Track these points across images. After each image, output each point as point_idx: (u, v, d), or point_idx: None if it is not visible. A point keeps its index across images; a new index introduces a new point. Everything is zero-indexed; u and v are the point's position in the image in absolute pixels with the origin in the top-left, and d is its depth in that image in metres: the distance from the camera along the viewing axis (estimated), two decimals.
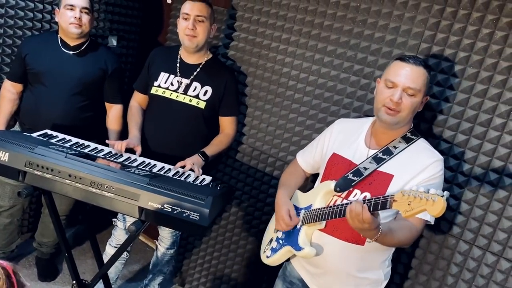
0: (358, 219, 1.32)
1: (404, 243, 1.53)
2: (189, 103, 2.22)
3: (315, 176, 1.91)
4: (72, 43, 2.29)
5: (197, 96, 2.22)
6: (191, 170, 1.99)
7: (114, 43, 2.96)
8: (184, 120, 2.25)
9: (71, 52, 2.29)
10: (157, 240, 2.58)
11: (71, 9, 2.19)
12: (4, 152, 1.71)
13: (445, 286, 1.86)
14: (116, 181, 1.65)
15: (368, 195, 1.56)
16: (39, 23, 2.48)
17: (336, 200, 1.61)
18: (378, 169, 1.57)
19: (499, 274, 1.73)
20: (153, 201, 1.62)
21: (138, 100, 2.37)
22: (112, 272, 2.44)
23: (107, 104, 2.48)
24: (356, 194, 1.58)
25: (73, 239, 3.07)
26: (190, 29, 2.12)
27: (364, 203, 1.33)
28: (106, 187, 1.65)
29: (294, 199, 1.80)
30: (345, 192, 1.59)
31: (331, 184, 1.60)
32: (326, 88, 2.12)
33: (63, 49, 2.28)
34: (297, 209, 1.72)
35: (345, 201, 1.57)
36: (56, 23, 2.49)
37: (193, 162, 2.03)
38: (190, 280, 2.79)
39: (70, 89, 2.28)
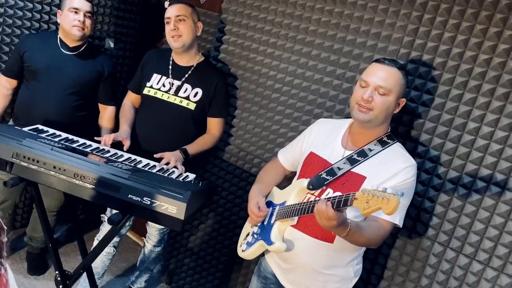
0: (324, 217, 1.36)
1: (372, 242, 1.56)
2: (180, 104, 2.28)
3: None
4: (71, 44, 2.36)
5: (187, 98, 2.29)
6: (175, 167, 2.04)
7: (112, 45, 3.04)
8: (174, 121, 2.31)
9: (69, 53, 2.36)
10: (146, 237, 2.63)
11: (75, 12, 2.27)
12: None
13: (420, 287, 1.89)
14: (98, 173, 1.71)
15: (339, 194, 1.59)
16: (37, 23, 2.57)
17: (309, 198, 1.65)
18: (352, 170, 1.61)
19: (471, 276, 1.75)
20: (132, 194, 1.67)
21: (131, 99, 2.44)
22: (98, 267, 2.48)
23: (100, 105, 2.55)
24: (328, 193, 1.62)
25: (65, 235, 3.12)
26: (173, 30, 2.20)
27: (328, 200, 1.37)
28: (89, 179, 1.70)
29: (271, 195, 1.85)
30: (318, 191, 1.63)
31: (305, 182, 1.64)
32: (310, 91, 2.18)
33: (62, 49, 2.35)
34: (273, 205, 1.77)
35: (317, 199, 1.61)
36: (54, 23, 2.58)
37: (172, 155, 2.08)
38: (177, 279, 2.83)
39: (65, 88, 2.35)
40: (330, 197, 1.40)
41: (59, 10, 2.34)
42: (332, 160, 1.67)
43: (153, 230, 2.56)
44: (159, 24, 3.07)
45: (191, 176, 2.04)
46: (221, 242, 2.60)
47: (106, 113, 2.54)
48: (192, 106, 2.29)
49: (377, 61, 1.63)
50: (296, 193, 1.67)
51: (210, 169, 2.62)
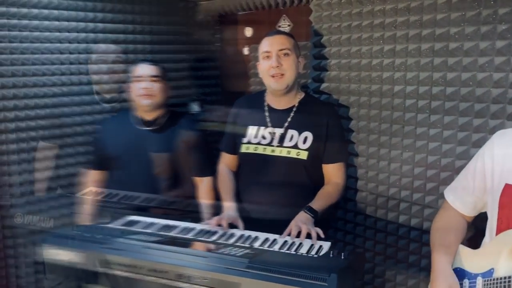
0: None
1: None
2: (288, 155, 1.83)
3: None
4: (148, 117, 2.06)
5: (295, 146, 1.83)
6: (297, 236, 1.56)
7: (197, 108, 2.74)
8: (284, 177, 1.85)
9: (148, 128, 2.06)
10: None
11: (139, 81, 2.00)
12: (77, 253, 1.43)
13: None
14: (207, 269, 1.28)
15: None
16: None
17: None
18: None
19: None
20: None
21: (227, 162, 2.04)
22: None
23: (196, 178, 2.17)
24: None
25: None
26: (275, 67, 1.78)
27: None
28: (197, 278, 1.27)
29: (460, 260, 1.24)
30: None
31: None
32: (460, 97, 1.58)
33: (139, 126, 2.06)
34: (470, 276, 1.16)
35: None
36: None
37: (300, 222, 1.61)
38: None
39: (152, 169, 2.02)
40: None
41: (129, 84, 2.09)
42: None
43: None
44: (242, 74, 2.75)
45: (326, 245, 1.52)
46: None
47: (203, 186, 2.15)
48: (303, 155, 1.81)
49: None
50: (508, 254, 1.05)
51: (343, 227, 2.06)
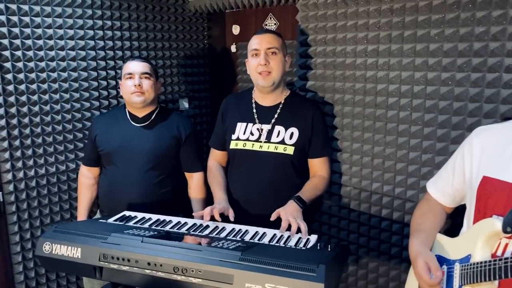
0: None
1: None
2: (275, 151, 1.89)
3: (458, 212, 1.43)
4: (140, 114, 2.09)
5: (282, 142, 1.89)
6: (288, 230, 1.62)
7: (186, 105, 2.78)
8: (272, 172, 1.91)
9: (140, 125, 2.08)
10: None
11: (130, 78, 2.02)
12: (76, 248, 1.47)
13: None
14: (202, 262, 1.32)
15: None
16: (105, 101, 2.36)
17: (507, 245, 1.11)
18: None
19: None
20: (250, 282, 1.25)
21: (216, 158, 2.09)
22: None
23: (187, 174, 2.22)
24: None
25: None
26: (263, 65, 1.82)
27: None
28: (192, 271, 1.33)
29: (439, 247, 1.32)
30: None
31: (496, 223, 1.11)
32: (440, 96, 1.66)
33: (132, 123, 2.08)
34: (448, 262, 1.24)
35: None
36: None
37: (289, 212, 1.68)
38: None
39: (143, 165, 2.04)
40: None
41: (120, 82, 2.11)
42: None
43: None
44: (229, 71, 2.80)
45: (313, 238, 1.59)
46: None
47: (193, 181, 2.20)
48: (290, 150, 1.87)
49: None
50: (484, 241, 1.14)
51: (327, 220, 2.14)
